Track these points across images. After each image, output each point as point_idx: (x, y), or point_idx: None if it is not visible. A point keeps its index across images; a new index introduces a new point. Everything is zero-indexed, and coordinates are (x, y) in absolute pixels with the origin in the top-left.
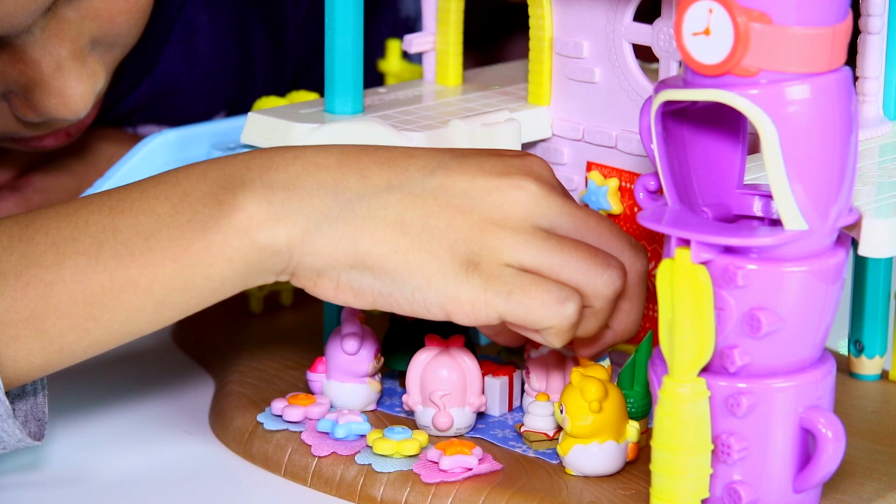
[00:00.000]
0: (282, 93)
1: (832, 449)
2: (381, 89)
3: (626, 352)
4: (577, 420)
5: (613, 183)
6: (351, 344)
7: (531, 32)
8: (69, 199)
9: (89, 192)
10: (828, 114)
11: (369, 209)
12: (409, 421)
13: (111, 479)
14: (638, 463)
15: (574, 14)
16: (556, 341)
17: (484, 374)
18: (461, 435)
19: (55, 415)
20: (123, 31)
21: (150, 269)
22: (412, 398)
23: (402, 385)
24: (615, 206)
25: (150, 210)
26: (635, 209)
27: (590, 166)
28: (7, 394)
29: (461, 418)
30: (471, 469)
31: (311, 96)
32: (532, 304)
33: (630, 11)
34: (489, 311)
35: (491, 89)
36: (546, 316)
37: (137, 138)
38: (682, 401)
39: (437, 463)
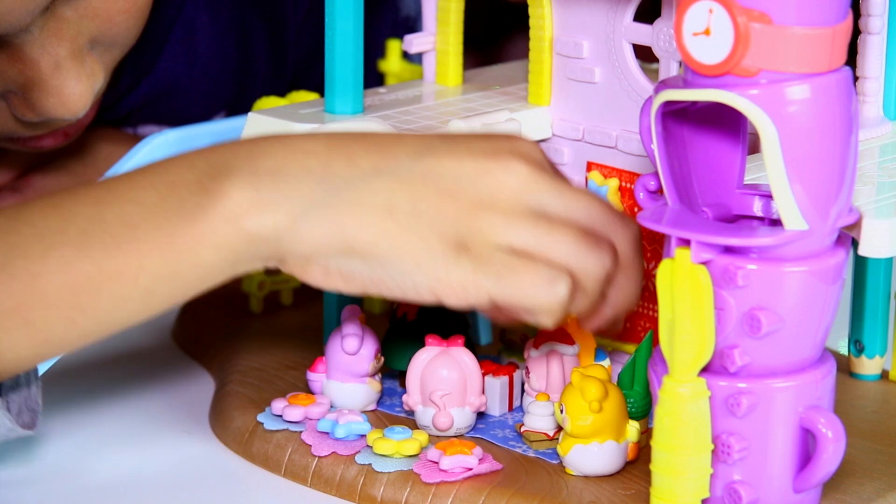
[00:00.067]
0: (282, 93)
1: (832, 449)
2: (381, 89)
3: (626, 352)
4: (577, 420)
5: (613, 183)
6: (351, 344)
7: (531, 32)
8: None
9: None
10: (828, 114)
11: (357, 194)
12: (410, 421)
13: (111, 478)
14: (638, 463)
15: (574, 14)
16: (547, 322)
17: (484, 374)
18: (461, 435)
19: (55, 414)
20: (122, 30)
21: (137, 259)
22: (412, 398)
23: (402, 385)
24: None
25: (136, 200)
26: (635, 209)
27: (590, 166)
28: (0, 385)
29: (461, 418)
30: (471, 469)
31: (311, 96)
32: (522, 285)
33: (630, 11)
34: (479, 293)
35: (491, 89)
36: (536, 297)
37: (137, 138)
38: (682, 401)
39: (437, 463)
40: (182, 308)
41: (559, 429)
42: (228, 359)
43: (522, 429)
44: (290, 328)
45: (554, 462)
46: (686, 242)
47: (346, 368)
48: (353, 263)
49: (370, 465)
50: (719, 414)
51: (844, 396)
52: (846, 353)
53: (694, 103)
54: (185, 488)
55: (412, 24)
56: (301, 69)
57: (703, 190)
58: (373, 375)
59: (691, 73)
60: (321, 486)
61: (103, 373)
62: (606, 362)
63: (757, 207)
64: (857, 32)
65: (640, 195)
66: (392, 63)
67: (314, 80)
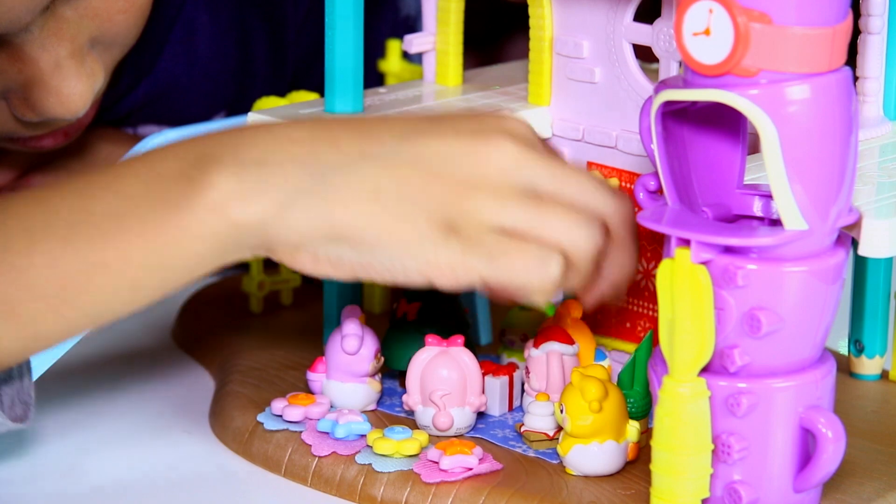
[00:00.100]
0: (282, 93)
1: (832, 449)
2: (381, 89)
3: (626, 352)
4: (577, 420)
5: (613, 183)
6: (351, 344)
7: (531, 32)
8: None
9: None
10: (828, 114)
11: (343, 180)
12: (409, 421)
13: (111, 478)
14: (638, 463)
15: (574, 14)
16: (539, 300)
17: (484, 374)
18: (461, 435)
19: (55, 414)
20: (122, 30)
21: (123, 251)
22: (412, 398)
23: (402, 385)
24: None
25: (122, 192)
26: (635, 209)
27: (590, 166)
28: None
29: (461, 418)
30: (471, 469)
31: (311, 96)
32: (513, 267)
33: (630, 11)
34: (470, 275)
35: (491, 89)
36: (528, 278)
37: (137, 138)
38: (682, 401)
39: (437, 463)
40: (182, 308)
41: (559, 429)
42: (228, 359)
43: (522, 429)
44: (290, 328)
45: (554, 462)
46: (686, 242)
47: (346, 368)
48: (342, 249)
49: (370, 465)
50: (719, 414)
51: (844, 396)
52: (846, 353)
53: (694, 103)
54: (185, 488)
55: (412, 24)
56: (301, 69)
57: (703, 190)
58: (373, 375)
59: (691, 73)
60: (321, 486)
61: (103, 373)
62: (606, 362)
63: (757, 207)
64: (857, 32)
65: (640, 195)
66: (392, 63)
67: (314, 80)
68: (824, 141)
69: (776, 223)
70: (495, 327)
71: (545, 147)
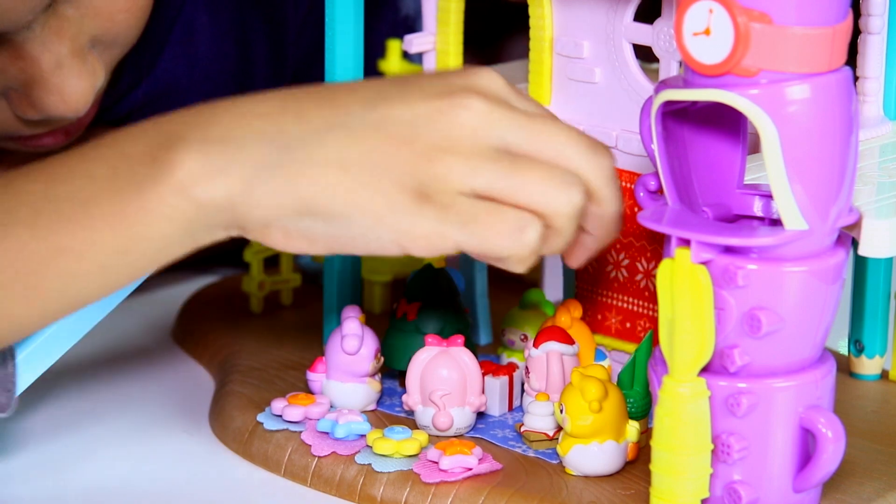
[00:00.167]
0: None
1: (832, 449)
2: None
3: (626, 352)
4: (577, 420)
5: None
6: (351, 344)
7: (531, 32)
8: None
9: None
10: (828, 114)
11: (308, 152)
12: (409, 421)
13: (111, 478)
14: (638, 463)
15: (574, 14)
16: (518, 268)
17: (484, 374)
18: (461, 435)
19: (55, 413)
20: (123, 29)
21: (89, 234)
22: (412, 398)
23: (402, 385)
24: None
25: (88, 174)
26: (635, 209)
27: None
28: None
29: (461, 418)
30: (471, 469)
31: None
32: (489, 234)
33: (630, 11)
34: (445, 242)
35: None
36: (505, 245)
37: None
38: (682, 401)
39: (437, 463)
40: (182, 308)
41: (559, 429)
42: (228, 359)
43: (522, 429)
44: (290, 328)
45: (554, 462)
46: (686, 242)
47: (346, 368)
48: (313, 223)
49: (370, 465)
50: (719, 414)
51: (844, 396)
52: (846, 353)
53: (694, 103)
54: (184, 488)
55: (412, 23)
56: (301, 69)
57: (703, 190)
58: (373, 375)
59: (691, 73)
60: (321, 486)
61: (103, 373)
62: (606, 362)
63: (757, 207)
64: (857, 32)
65: (640, 195)
66: (392, 63)
67: (314, 80)
68: (824, 141)
69: (776, 223)
70: (495, 327)
71: (521, 98)
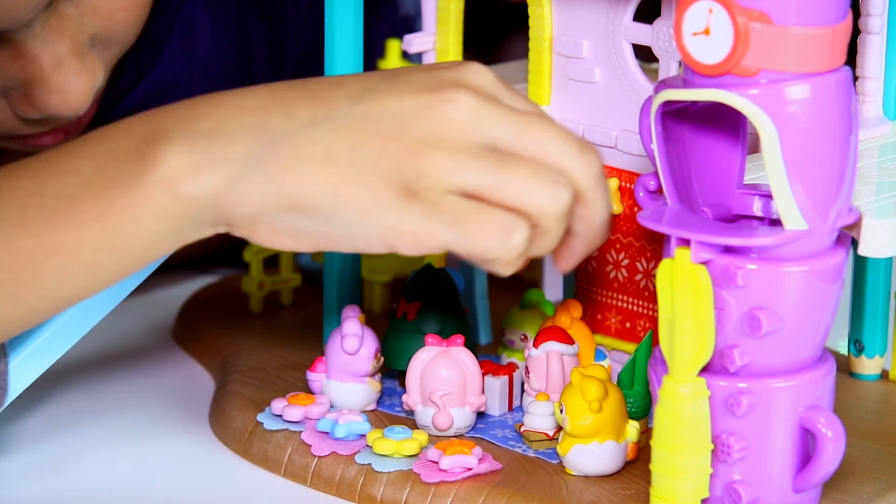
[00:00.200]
0: None
1: (832, 449)
2: None
3: (626, 352)
4: (577, 420)
5: (613, 183)
6: (351, 344)
7: (531, 32)
8: None
9: None
10: (828, 114)
11: (294, 147)
12: (409, 421)
13: (111, 478)
14: (638, 463)
15: (574, 14)
16: (504, 271)
17: (484, 374)
18: (461, 435)
19: (55, 413)
20: (123, 28)
21: (76, 231)
22: (412, 398)
23: (402, 385)
24: (615, 206)
25: (74, 171)
26: (635, 209)
27: None
28: None
29: (461, 418)
30: (471, 469)
31: None
32: (476, 234)
33: (630, 11)
34: (433, 241)
35: None
36: (491, 247)
37: None
38: (682, 401)
39: (437, 463)
40: (182, 308)
41: (559, 429)
42: (228, 359)
43: (522, 429)
44: (290, 328)
45: (554, 462)
46: (686, 242)
47: (346, 368)
48: (300, 220)
49: (370, 464)
50: (719, 414)
51: (844, 396)
52: (846, 353)
53: (694, 103)
54: (184, 488)
55: (412, 23)
56: (301, 69)
57: (703, 190)
58: (373, 375)
59: (691, 72)
60: (321, 485)
61: (103, 372)
62: (606, 362)
63: (757, 207)
64: (857, 32)
65: (640, 195)
66: (392, 63)
67: None
68: (824, 141)
69: (776, 223)
70: (495, 327)
71: (510, 94)
